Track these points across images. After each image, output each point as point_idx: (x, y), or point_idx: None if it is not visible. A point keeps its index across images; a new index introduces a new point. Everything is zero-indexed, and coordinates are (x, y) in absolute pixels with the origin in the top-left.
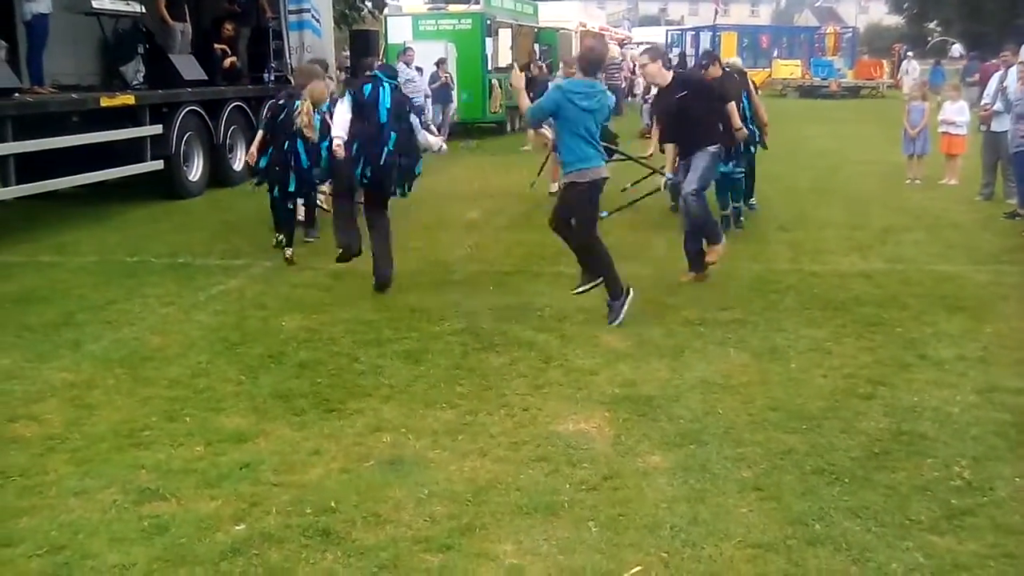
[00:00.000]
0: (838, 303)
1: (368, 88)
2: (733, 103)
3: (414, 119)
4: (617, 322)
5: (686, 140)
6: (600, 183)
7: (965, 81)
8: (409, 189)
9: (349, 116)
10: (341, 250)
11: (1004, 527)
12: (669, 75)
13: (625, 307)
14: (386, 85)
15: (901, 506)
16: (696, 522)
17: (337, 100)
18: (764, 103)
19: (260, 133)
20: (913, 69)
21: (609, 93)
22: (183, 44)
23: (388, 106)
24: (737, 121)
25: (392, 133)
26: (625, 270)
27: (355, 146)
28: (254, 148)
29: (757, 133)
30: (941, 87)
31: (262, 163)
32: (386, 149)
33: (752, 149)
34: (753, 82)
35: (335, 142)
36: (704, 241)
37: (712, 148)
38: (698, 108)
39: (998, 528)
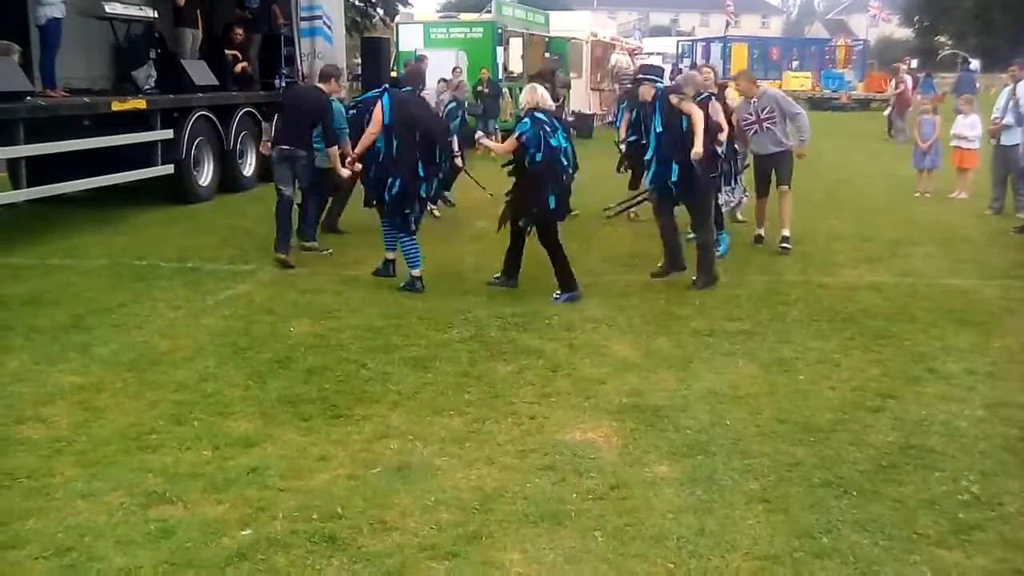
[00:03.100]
0: (847, 315)
1: None
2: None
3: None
4: None
5: None
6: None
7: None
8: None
9: None
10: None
11: (1012, 542)
12: None
13: None
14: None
15: (909, 520)
16: (703, 533)
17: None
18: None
19: None
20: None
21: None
22: (193, 49)
23: None
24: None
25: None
26: (632, 279)
27: None
28: None
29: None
30: (930, 99)
31: None
32: None
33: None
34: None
35: None
36: None
37: None
38: None
39: (1006, 543)
